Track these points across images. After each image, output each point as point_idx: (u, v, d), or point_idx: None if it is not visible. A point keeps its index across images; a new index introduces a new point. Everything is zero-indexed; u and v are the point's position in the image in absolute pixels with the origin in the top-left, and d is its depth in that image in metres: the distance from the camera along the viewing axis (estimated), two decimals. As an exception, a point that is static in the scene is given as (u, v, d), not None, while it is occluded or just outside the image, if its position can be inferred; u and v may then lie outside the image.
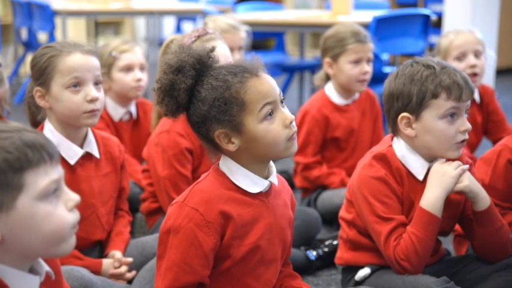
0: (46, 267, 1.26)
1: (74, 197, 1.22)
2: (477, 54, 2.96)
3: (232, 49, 2.86)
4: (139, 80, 2.88)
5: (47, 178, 1.16)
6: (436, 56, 2.98)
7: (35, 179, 1.15)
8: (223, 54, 2.22)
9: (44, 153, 1.17)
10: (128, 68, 2.88)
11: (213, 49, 1.60)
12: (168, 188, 2.38)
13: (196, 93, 1.55)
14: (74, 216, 1.21)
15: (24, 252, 1.18)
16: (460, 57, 2.94)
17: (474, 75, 2.90)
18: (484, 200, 1.90)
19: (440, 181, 1.86)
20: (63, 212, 1.19)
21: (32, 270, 1.24)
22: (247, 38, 3.19)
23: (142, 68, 2.93)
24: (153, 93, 1.60)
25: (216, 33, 2.44)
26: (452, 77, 1.86)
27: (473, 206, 1.92)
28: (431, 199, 1.86)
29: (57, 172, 1.19)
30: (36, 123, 2.12)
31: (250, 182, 1.59)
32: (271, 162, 1.64)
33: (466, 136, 1.89)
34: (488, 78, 2.74)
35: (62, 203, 1.20)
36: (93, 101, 1.99)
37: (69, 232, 1.20)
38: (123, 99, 2.92)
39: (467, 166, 1.90)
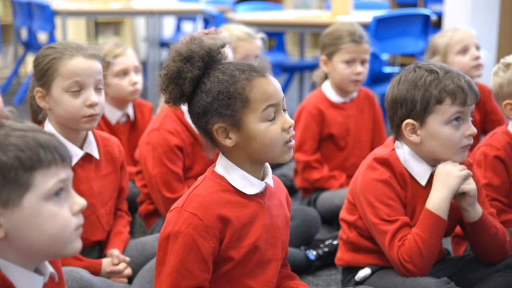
0: (50, 269, 1.27)
1: (81, 202, 1.22)
2: (477, 47, 3.02)
3: (248, 57, 2.84)
4: (135, 83, 2.86)
5: (56, 178, 1.17)
6: (434, 56, 3.00)
7: (44, 178, 1.16)
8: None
9: (56, 155, 1.17)
10: (124, 73, 2.86)
11: (224, 45, 1.60)
12: (160, 185, 2.38)
13: (201, 85, 1.55)
14: (77, 220, 1.21)
15: (27, 250, 1.19)
16: (463, 51, 2.98)
17: (478, 66, 2.97)
18: (478, 210, 1.88)
19: (445, 181, 1.84)
20: (67, 215, 1.19)
21: (37, 271, 1.24)
22: (264, 46, 3.16)
23: (136, 71, 2.90)
24: (158, 78, 1.59)
25: (226, 38, 2.42)
26: (456, 82, 1.83)
27: (465, 217, 1.89)
28: (436, 200, 1.84)
29: (65, 173, 1.20)
30: (37, 122, 2.12)
31: (247, 184, 1.60)
32: (267, 164, 1.64)
33: (471, 141, 1.88)
34: (488, 78, 2.74)
35: (68, 205, 1.20)
36: (92, 105, 1.99)
37: (71, 235, 1.20)
38: (120, 102, 2.90)
39: (471, 172, 1.87)
